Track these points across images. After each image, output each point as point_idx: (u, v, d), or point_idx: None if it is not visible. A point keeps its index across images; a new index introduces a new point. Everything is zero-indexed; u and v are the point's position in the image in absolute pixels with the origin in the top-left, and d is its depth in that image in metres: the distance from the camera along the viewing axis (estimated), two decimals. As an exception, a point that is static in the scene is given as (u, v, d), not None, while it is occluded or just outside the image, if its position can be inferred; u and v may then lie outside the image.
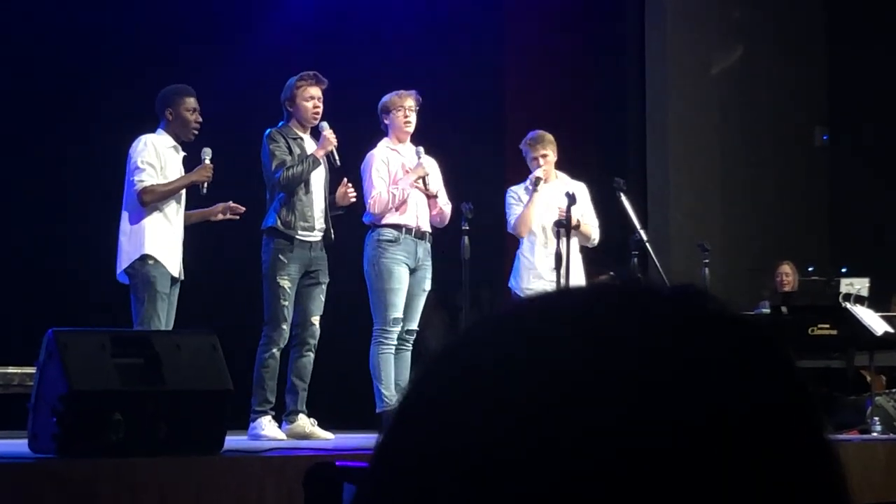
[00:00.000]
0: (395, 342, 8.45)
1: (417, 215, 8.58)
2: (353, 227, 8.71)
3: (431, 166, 8.71)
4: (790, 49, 14.20)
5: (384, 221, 8.51)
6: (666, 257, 10.40)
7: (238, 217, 8.28)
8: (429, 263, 8.59)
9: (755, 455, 0.72)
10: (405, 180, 8.55)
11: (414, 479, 0.75)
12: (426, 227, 8.62)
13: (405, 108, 8.64)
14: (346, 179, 8.46)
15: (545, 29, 12.91)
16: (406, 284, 8.47)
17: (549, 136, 9.29)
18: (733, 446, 0.72)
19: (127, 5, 11.03)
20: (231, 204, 8.25)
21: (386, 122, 8.71)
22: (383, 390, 8.36)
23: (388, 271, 8.42)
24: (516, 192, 9.29)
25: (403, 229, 8.52)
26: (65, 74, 10.59)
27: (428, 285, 8.60)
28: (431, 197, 8.63)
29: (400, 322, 8.44)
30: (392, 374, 8.40)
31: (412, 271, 8.51)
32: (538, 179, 9.14)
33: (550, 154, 9.24)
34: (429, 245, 8.61)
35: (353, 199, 8.46)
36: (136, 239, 7.79)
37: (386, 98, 8.71)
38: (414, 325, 8.56)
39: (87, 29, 10.68)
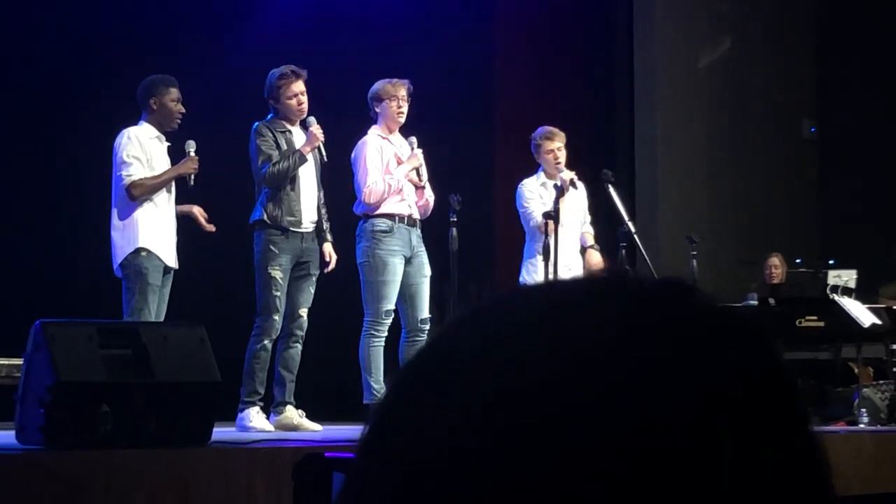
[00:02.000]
0: (386, 334, 8.41)
1: (409, 204, 8.55)
2: (338, 216, 8.70)
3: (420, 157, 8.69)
4: (778, 41, 14.22)
5: (378, 211, 8.48)
6: (654, 249, 10.41)
7: (210, 229, 8.24)
8: (423, 249, 8.56)
9: (740, 449, 0.72)
10: (400, 170, 8.49)
11: (399, 471, 0.75)
12: (417, 215, 8.59)
13: (398, 98, 8.55)
14: (335, 258, 8.38)
15: (534, 22, 12.91)
16: (400, 276, 8.42)
17: (561, 132, 9.26)
18: (719, 440, 0.72)
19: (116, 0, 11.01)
20: (202, 216, 8.20)
21: (377, 109, 8.60)
22: (372, 383, 8.33)
23: (384, 263, 8.37)
24: (532, 188, 9.19)
25: (397, 218, 8.46)
26: (52, 67, 10.56)
27: (427, 271, 8.56)
28: (420, 187, 8.60)
29: (392, 314, 8.40)
30: (381, 366, 8.37)
31: (409, 260, 8.48)
32: (573, 181, 9.07)
33: (563, 148, 9.21)
34: (419, 231, 8.59)
35: (330, 269, 8.37)
36: (129, 233, 7.79)
37: (378, 85, 8.61)
38: (426, 314, 8.50)
39: (75, 24, 10.65)
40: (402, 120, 8.59)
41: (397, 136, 8.65)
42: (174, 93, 7.99)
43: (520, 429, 0.72)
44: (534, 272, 9.08)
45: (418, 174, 8.56)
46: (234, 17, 11.53)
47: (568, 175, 9.03)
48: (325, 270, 8.37)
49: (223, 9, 11.49)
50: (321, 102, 8.58)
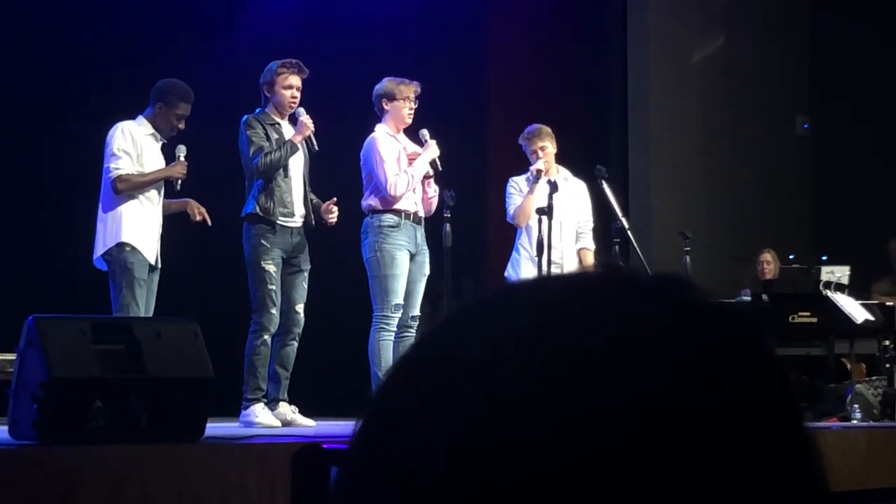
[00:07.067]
0: (396, 328, 8.42)
1: (416, 201, 8.57)
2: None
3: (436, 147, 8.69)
4: (772, 37, 14.22)
5: (385, 207, 8.47)
6: (647, 245, 10.42)
7: (202, 219, 8.20)
8: (426, 248, 8.59)
9: (734, 444, 0.72)
10: (420, 162, 8.52)
11: (391, 466, 0.74)
12: (422, 213, 8.61)
13: (409, 99, 8.57)
14: (335, 199, 8.36)
15: (528, 18, 12.91)
16: (407, 270, 8.44)
17: (547, 129, 9.24)
18: (714, 436, 0.72)
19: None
20: (198, 210, 8.17)
21: (386, 107, 8.59)
22: (381, 375, 8.32)
23: (391, 257, 8.39)
24: (517, 183, 9.22)
25: (403, 214, 8.48)
26: (43, 62, 10.55)
27: (427, 270, 8.59)
28: (428, 177, 8.58)
29: (401, 308, 8.42)
30: (391, 359, 8.37)
31: (412, 256, 8.51)
32: (539, 171, 9.10)
33: (549, 146, 9.20)
34: (423, 229, 8.61)
35: (334, 221, 8.37)
36: (113, 226, 7.77)
37: (389, 84, 8.60)
38: (417, 311, 8.53)
39: (72, 23, 10.64)
40: (410, 121, 8.60)
41: (401, 135, 8.66)
42: (183, 108, 7.95)
43: (512, 426, 0.72)
44: (516, 266, 9.14)
45: (435, 164, 8.57)
46: (230, 15, 11.52)
47: (535, 166, 9.08)
48: (330, 220, 8.31)
49: (222, 6, 11.48)
50: (316, 99, 8.57)
